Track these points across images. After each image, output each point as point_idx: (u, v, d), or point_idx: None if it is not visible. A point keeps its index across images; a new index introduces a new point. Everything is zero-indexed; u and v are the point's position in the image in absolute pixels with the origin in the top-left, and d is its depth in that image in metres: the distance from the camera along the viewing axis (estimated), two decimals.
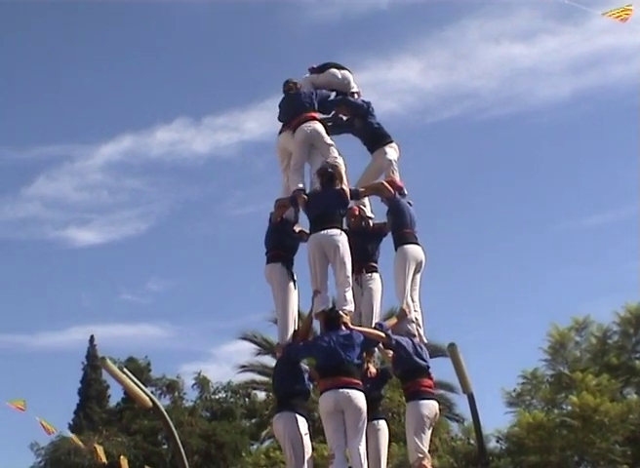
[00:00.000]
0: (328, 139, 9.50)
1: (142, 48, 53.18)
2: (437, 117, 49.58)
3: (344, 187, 9.08)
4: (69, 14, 51.77)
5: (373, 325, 9.03)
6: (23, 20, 50.15)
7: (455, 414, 25.17)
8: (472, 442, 23.55)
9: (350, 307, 8.72)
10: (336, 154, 9.39)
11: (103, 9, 51.04)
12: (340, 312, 8.58)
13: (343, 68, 10.33)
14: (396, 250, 9.24)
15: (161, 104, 52.75)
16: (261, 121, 47.93)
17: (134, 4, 52.33)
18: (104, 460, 13.73)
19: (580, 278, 42.72)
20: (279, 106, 10.06)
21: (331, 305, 8.77)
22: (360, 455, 8.01)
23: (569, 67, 49.99)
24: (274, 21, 52.14)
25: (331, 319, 8.55)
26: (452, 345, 9.80)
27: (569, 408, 22.10)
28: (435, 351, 8.93)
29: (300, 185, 9.34)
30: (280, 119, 10.02)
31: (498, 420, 31.68)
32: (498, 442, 24.28)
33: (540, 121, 48.42)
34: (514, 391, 24.04)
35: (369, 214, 9.82)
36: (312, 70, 10.35)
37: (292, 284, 9.16)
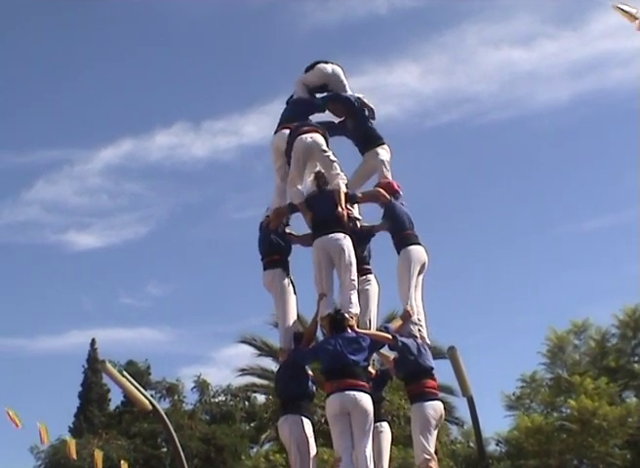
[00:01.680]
0: (331, 155, 9.33)
1: (142, 52, 53.25)
2: (436, 121, 49.65)
3: (341, 211, 8.94)
4: (69, 17, 51.87)
5: (369, 327, 9.07)
6: (23, 24, 50.22)
7: (454, 418, 25.15)
8: (472, 445, 23.62)
9: (356, 310, 8.72)
10: (338, 171, 9.25)
11: (103, 13, 51.23)
12: (346, 315, 8.58)
13: (333, 63, 10.31)
14: (399, 252, 9.22)
15: (160, 109, 52.86)
16: (261, 125, 48.03)
17: (133, 8, 52.45)
18: None
19: (579, 281, 42.69)
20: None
21: (337, 308, 8.74)
22: (366, 458, 7.98)
23: (568, 71, 50.06)
24: (274, 26, 52.26)
25: (336, 322, 8.54)
26: (451, 348, 9.86)
27: (568, 411, 22.14)
28: (435, 354, 8.93)
29: (300, 200, 9.30)
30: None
31: (497, 423, 31.76)
32: (497, 445, 24.38)
33: (539, 125, 48.45)
34: (513, 394, 24.10)
35: (356, 215, 9.78)
36: (306, 70, 10.33)
37: (291, 288, 9.16)
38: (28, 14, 48.97)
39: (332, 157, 9.30)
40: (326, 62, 10.30)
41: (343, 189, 9.11)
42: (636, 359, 24.36)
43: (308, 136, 9.36)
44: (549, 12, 48.54)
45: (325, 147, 9.34)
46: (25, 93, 51.51)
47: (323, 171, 9.29)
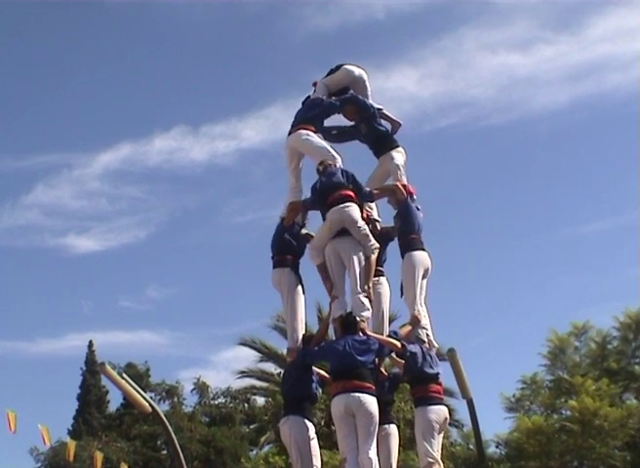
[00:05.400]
0: (364, 228, 8.92)
1: (141, 56, 53.13)
2: (435, 125, 49.49)
3: (367, 289, 8.78)
4: (68, 22, 51.89)
5: (382, 326, 9.06)
6: (22, 29, 50.23)
7: (454, 420, 25.07)
8: (472, 447, 23.57)
9: (367, 314, 8.68)
10: (373, 241, 8.92)
11: (102, 18, 51.18)
12: (357, 318, 8.55)
13: (360, 67, 10.23)
14: (403, 255, 9.18)
15: (159, 113, 52.72)
16: (259, 129, 48.24)
17: (131, 13, 52.43)
18: None
19: (579, 284, 42.73)
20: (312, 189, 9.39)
21: (348, 310, 8.71)
22: (371, 460, 7.94)
23: (566, 75, 50.14)
24: (272, 31, 52.28)
25: (348, 324, 8.52)
26: (451, 350, 9.82)
27: (568, 413, 22.13)
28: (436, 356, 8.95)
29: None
30: (313, 200, 9.38)
31: (497, 425, 31.75)
32: (497, 447, 24.33)
33: (537, 128, 48.50)
34: (513, 396, 24.08)
35: (375, 216, 9.71)
36: (329, 72, 10.23)
37: (300, 288, 9.10)
38: (27, 18, 49.00)
39: (366, 230, 8.96)
40: (352, 65, 10.21)
41: (374, 259, 8.92)
42: (637, 361, 24.34)
43: (344, 209, 8.92)
44: (547, 17, 48.64)
45: (360, 222, 8.93)
46: (24, 97, 51.55)
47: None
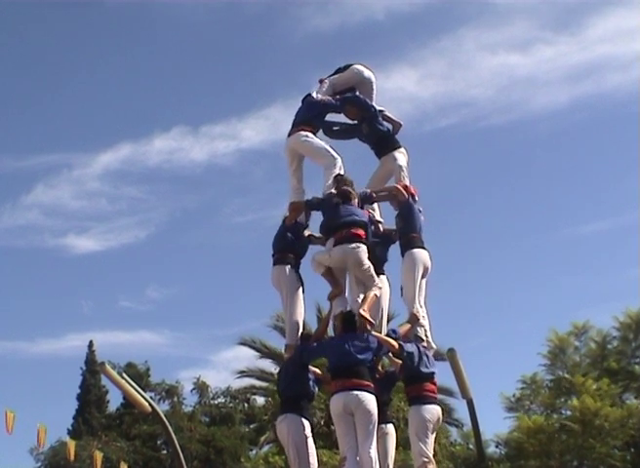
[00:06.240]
0: (370, 270, 8.80)
1: (140, 57, 53.21)
2: (435, 125, 49.54)
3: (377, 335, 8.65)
4: (68, 22, 51.94)
5: (381, 324, 9.05)
6: (22, 29, 50.23)
7: (454, 419, 25.14)
8: (471, 447, 23.57)
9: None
10: (376, 281, 8.84)
11: (102, 17, 51.24)
12: (357, 317, 8.52)
13: (369, 68, 10.21)
14: (403, 254, 9.19)
15: (159, 113, 52.83)
16: (259, 129, 48.27)
17: (131, 13, 52.47)
18: None
19: (579, 284, 42.76)
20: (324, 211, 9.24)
21: (349, 308, 8.73)
22: (371, 459, 7.92)
23: (566, 76, 50.21)
24: (272, 31, 52.32)
25: (348, 321, 8.52)
26: (451, 350, 9.80)
27: (568, 412, 22.14)
28: (435, 356, 8.93)
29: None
30: (322, 226, 9.27)
31: (497, 425, 31.78)
32: (497, 447, 24.32)
33: (537, 129, 48.55)
34: (513, 396, 24.07)
35: (378, 218, 9.70)
36: (336, 71, 10.22)
37: (300, 286, 9.09)
38: (28, 18, 49.02)
39: (370, 271, 8.84)
40: (362, 65, 10.20)
41: (373, 295, 8.83)
42: (637, 361, 24.33)
43: (353, 250, 8.77)
44: (547, 17, 48.71)
45: (365, 264, 8.79)
46: (24, 97, 51.54)
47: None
